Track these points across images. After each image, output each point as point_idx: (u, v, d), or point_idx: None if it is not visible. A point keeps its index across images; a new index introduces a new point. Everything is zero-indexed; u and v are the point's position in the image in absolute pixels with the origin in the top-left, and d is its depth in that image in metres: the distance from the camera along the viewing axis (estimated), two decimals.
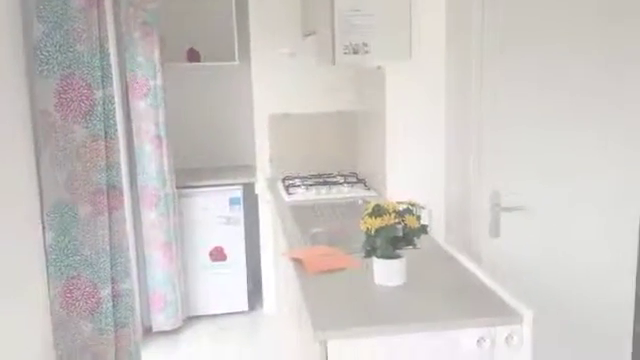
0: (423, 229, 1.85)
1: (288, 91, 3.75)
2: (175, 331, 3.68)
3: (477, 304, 1.70)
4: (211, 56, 3.91)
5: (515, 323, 1.61)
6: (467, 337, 1.59)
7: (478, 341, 1.59)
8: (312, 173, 3.61)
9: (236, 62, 3.86)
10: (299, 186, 3.31)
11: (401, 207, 1.87)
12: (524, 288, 1.92)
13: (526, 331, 1.60)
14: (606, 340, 2.45)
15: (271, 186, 3.54)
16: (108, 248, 2.08)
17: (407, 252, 1.84)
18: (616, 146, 2.34)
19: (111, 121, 2.12)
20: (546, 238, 2.34)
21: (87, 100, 2.03)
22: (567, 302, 2.36)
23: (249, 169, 3.98)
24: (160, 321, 3.65)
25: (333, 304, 1.73)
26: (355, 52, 2.61)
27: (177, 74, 3.92)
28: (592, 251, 2.38)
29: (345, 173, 3.61)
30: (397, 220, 1.80)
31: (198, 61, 3.93)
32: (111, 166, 2.11)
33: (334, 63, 2.63)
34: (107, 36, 2.16)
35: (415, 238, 1.84)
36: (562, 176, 2.33)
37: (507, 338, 1.60)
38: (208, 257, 3.82)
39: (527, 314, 1.59)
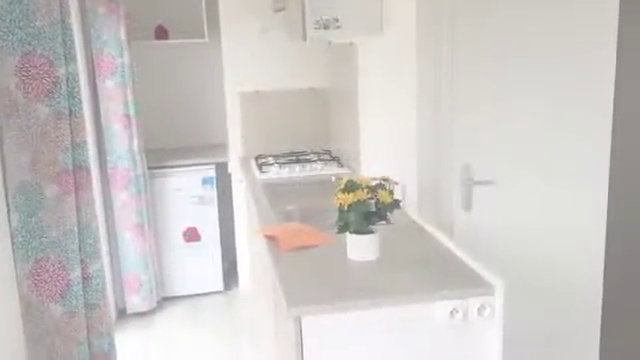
0: (396, 204, 1.85)
1: (259, 68, 3.70)
2: (150, 312, 3.66)
3: (450, 276, 1.71)
4: (180, 33, 3.83)
5: (487, 294, 1.62)
6: (440, 309, 1.60)
7: (451, 313, 1.60)
8: (285, 151, 3.58)
9: (205, 39, 3.79)
10: (272, 164, 3.28)
11: (374, 182, 1.87)
12: (496, 260, 1.94)
13: (498, 301, 1.61)
14: (576, 307, 2.50)
15: (244, 165, 3.50)
16: (76, 229, 2.04)
17: (380, 227, 1.84)
18: (583, 121, 2.36)
19: (76, 99, 2.06)
20: (516, 210, 2.37)
21: (49, 78, 1.97)
22: (538, 272, 2.40)
23: (221, 148, 3.94)
24: (134, 303, 3.62)
25: (307, 280, 1.72)
26: (326, 27, 2.58)
27: (145, 52, 3.83)
28: (561, 221, 2.41)
29: (318, 151, 3.59)
30: (370, 195, 1.79)
31: (166, 38, 3.84)
32: (77, 146, 2.06)
33: (305, 39, 2.60)
34: (69, 11, 2.08)
35: (388, 213, 1.83)
36: (531, 150, 2.34)
37: (479, 309, 1.61)
38: (182, 237, 3.79)
39: (498, 285, 1.61)
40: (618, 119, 2.38)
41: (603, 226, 2.46)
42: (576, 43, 2.29)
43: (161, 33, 3.83)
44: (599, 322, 2.54)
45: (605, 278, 2.51)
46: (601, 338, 2.56)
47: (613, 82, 2.33)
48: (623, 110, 2.38)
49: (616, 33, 2.30)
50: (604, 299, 2.53)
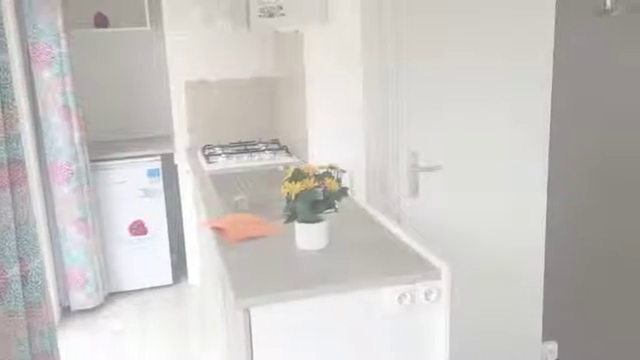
0: (343, 192, 1.85)
1: (205, 57, 3.63)
2: (96, 309, 3.57)
3: (397, 262, 1.73)
4: (120, 21, 3.71)
5: (434, 278, 1.65)
6: (388, 295, 1.61)
7: (399, 298, 1.62)
8: (233, 141, 3.54)
9: (147, 27, 3.70)
10: (219, 155, 3.24)
11: (321, 171, 1.86)
12: (442, 244, 1.97)
13: (444, 285, 1.64)
14: (519, 288, 2.58)
15: (191, 156, 3.44)
16: (13, 225, 1.95)
17: (329, 215, 1.84)
18: (524, 107, 2.42)
19: (7, 90, 1.95)
20: (461, 195, 2.41)
21: None
22: (483, 255, 2.46)
23: (167, 139, 3.86)
24: (79, 299, 3.51)
25: (255, 271, 1.71)
26: (270, 15, 2.55)
27: (85, 41, 3.70)
28: (504, 205, 2.48)
29: (267, 140, 3.56)
30: (317, 184, 1.79)
31: (106, 27, 3.73)
32: (11, 139, 1.96)
33: (249, 27, 2.56)
34: None
35: (336, 201, 1.83)
36: (474, 136, 2.39)
37: (426, 293, 1.64)
38: (128, 231, 3.70)
39: (444, 268, 1.64)
40: (555, 104, 2.46)
41: (544, 208, 2.54)
42: (517, 34, 2.34)
43: (101, 21, 3.71)
44: (541, 301, 2.63)
45: (546, 258, 2.60)
46: (544, 316, 2.66)
47: (551, 69, 2.40)
48: (560, 95, 2.45)
49: (553, 27, 2.37)
50: (546, 279, 2.62)
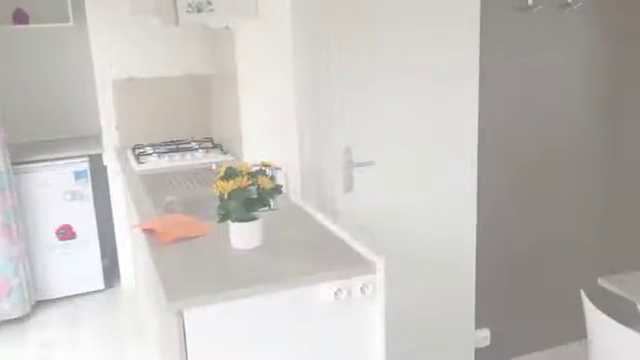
0: (277, 189, 1.84)
1: (132, 53, 3.52)
2: (23, 319, 3.40)
3: (333, 258, 1.73)
4: (41, 17, 3.55)
5: (369, 272, 1.66)
6: (324, 291, 1.61)
7: (335, 294, 1.62)
8: (164, 140, 3.46)
9: (70, 23, 3.54)
10: (150, 154, 3.15)
11: (254, 169, 1.84)
12: (377, 238, 1.99)
13: (379, 279, 1.65)
14: (453, 278, 2.65)
15: (120, 156, 3.33)
16: None
17: (263, 214, 1.82)
18: (454, 103, 2.48)
19: None
20: (395, 189, 2.45)
21: None
22: (417, 248, 2.51)
23: (95, 139, 3.72)
24: (4, 309, 3.34)
25: (188, 273, 1.67)
26: (199, 10, 2.49)
27: (4, 38, 3.52)
28: (436, 198, 2.53)
29: (200, 139, 3.50)
30: (250, 182, 1.76)
31: (27, 23, 3.55)
32: None
33: (178, 23, 2.49)
34: None
35: (270, 199, 1.81)
36: (406, 130, 2.43)
37: (362, 288, 1.65)
38: (55, 236, 3.55)
39: (379, 262, 1.65)
40: (483, 100, 2.53)
41: (474, 202, 2.61)
42: (445, 33, 2.40)
43: (20, 17, 3.53)
44: (474, 290, 2.71)
45: (477, 250, 2.68)
46: (476, 305, 2.74)
47: (477, 68, 2.47)
48: (487, 94, 2.53)
49: (479, 26, 2.44)
50: (477, 269, 2.70)
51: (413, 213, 2.50)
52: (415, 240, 2.50)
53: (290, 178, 2.36)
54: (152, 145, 3.34)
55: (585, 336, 1.82)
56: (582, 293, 1.74)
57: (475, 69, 2.47)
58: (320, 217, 2.07)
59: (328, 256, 1.75)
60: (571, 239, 2.93)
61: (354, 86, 2.30)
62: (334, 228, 1.95)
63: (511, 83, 2.64)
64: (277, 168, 2.21)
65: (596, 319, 1.69)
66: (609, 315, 1.63)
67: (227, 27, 2.97)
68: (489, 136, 2.60)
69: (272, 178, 1.84)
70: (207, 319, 1.50)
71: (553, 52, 2.67)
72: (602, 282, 1.98)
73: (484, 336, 2.82)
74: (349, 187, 2.35)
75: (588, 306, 1.72)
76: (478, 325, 2.78)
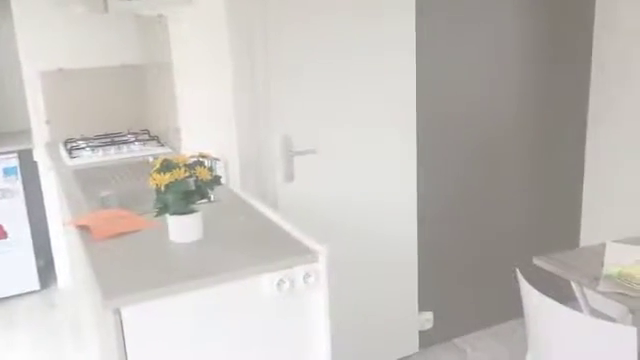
0: (216, 180, 1.80)
1: (62, 44, 3.38)
2: None
3: (275, 248, 1.71)
4: None
5: (312, 262, 1.65)
6: (267, 282, 1.59)
7: (278, 284, 1.60)
8: (98, 133, 3.34)
9: None
10: (84, 148, 3.04)
11: (192, 160, 1.79)
12: (320, 227, 1.98)
13: (322, 267, 1.65)
14: (396, 263, 2.68)
15: (52, 151, 3.20)
16: None
17: (202, 206, 1.78)
18: (392, 90, 2.50)
19: None
20: (337, 177, 2.45)
21: None
22: (360, 234, 2.52)
23: (24, 134, 3.55)
24: None
25: (125, 269, 1.61)
26: None
27: None
28: (378, 185, 2.55)
29: (136, 131, 3.40)
30: (188, 174, 1.72)
31: None
32: None
33: (107, 11, 2.40)
34: None
35: (209, 190, 1.78)
36: (346, 118, 2.43)
37: (305, 277, 1.64)
38: None
39: (322, 251, 1.64)
40: (421, 86, 2.56)
41: (414, 187, 2.65)
42: (381, 13, 2.41)
43: None
44: (416, 274, 2.76)
45: (419, 235, 2.72)
46: (419, 289, 2.79)
47: (414, 55, 2.50)
48: (424, 78, 2.56)
49: (414, 15, 2.47)
50: (419, 254, 2.74)
51: (355, 200, 2.51)
52: (358, 227, 2.52)
53: (230, 169, 2.33)
54: (85, 139, 3.22)
55: (523, 314, 1.88)
56: (518, 272, 1.80)
57: (411, 57, 2.50)
58: (261, 207, 2.05)
59: (270, 247, 1.73)
60: (507, 222, 3.02)
61: (292, 73, 2.27)
62: (276, 218, 1.93)
63: (446, 71, 2.68)
64: (216, 159, 2.17)
65: (531, 297, 1.74)
66: (544, 293, 1.69)
67: (160, 15, 2.89)
68: (428, 123, 2.63)
69: (210, 169, 1.80)
70: (146, 317, 1.46)
71: (485, 39, 2.74)
72: (537, 261, 2.04)
73: (427, 318, 2.88)
74: (290, 176, 2.33)
75: (524, 285, 1.77)
76: (421, 308, 2.83)
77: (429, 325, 2.89)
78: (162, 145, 3.12)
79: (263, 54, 2.20)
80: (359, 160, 2.50)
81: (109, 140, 3.19)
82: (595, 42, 2.96)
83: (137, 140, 3.17)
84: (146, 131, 3.40)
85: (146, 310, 1.45)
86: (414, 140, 2.60)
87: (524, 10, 2.78)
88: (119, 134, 3.33)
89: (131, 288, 1.46)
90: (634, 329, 1.50)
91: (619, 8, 2.82)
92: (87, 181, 2.52)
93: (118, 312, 1.42)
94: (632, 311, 2.02)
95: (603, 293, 1.80)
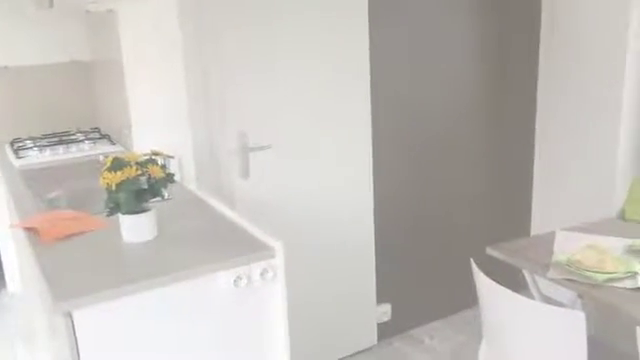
0: (170, 178, 1.77)
1: (6, 41, 3.26)
2: None
3: (231, 245, 1.70)
4: None
5: (268, 257, 1.64)
6: (223, 279, 1.58)
7: (235, 281, 1.59)
8: (46, 132, 3.24)
9: None
10: (31, 148, 2.95)
11: (144, 158, 1.76)
12: (276, 222, 1.98)
13: (279, 263, 1.64)
14: (353, 257, 2.70)
15: None
16: None
17: (156, 204, 1.75)
18: (347, 84, 2.51)
19: None
20: (293, 173, 2.45)
21: None
22: (317, 229, 2.53)
23: None
24: None
25: (76, 271, 1.57)
26: None
27: None
28: (333, 179, 2.56)
29: (86, 129, 3.31)
30: (140, 172, 1.69)
31: None
32: None
33: (52, 5, 2.33)
34: None
35: (162, 188, 1.75)
36: (302, 113, 2.43)
37: (262, 273, 1.63)
38: None
39: (278, 246, 1.64)
40: (375, 82, 2.58)
41: (370, 180, 2.67)
42: (336, 17, 2.41)
43: None
44: (374, 267, 2.78)
45: (376, 228, 2.74)
46: (377, 281, 2.81)
47: (368, 52, 2.51)
48: (378, 74, 2.58)
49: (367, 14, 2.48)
50: (376, 247, 2.76)
51: (311, 195, 2.51)
52: (315, 222, 2.52)
53: (184, 166, 2.29)
54: (32, 138, 3.12)
55: (478, 303, 1.92)
56: (472, 262, 1.83)
57: (365, 48, 2.51)
58: (217, 204, 2.02)
59: (226, 244, 1.72)
60: (462, 214, 3.08)
61: (246, 69, 2.26)
62: (232, 215, 1.91)
63: (399, 66, 2.71)
64: (169, 156, 2.13)
65: (485, 286, 1.78)
66: (498, 282, 1.73)
67: (110, 10, 2.82)
68: (383, 118, 2.66)
69: (164, 167, 1.77)
70: (99, 319, 1.42)
71: (440, 32, 2.78)
72: (490, 251, 2.09)
73: (385, 311, 2.91)
74: (246, 172, 2.31)
75: (478, 274, 1.81)
76: (379, 301, 2.86)
77: (387, 317, 2.92)
78: (113, 144, 3.06)
79: (216, 50, 2.17)
80: (315, 155, 2.50)
81: (57, 139, 3.10)
82: (542, 39, 3.05)
83: (87, 139, 3.09)
84: (97, 129, 3.31)
85: (99, 312, 1.42)
86: (369, 135, 2.61)
87: (474, 9, 2.83)
88: (68, 133, 3.24)
89: (82, 290, 1.42)
90: (583, 314, 1.55)
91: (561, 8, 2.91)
92: (35, 182, 2.45)
93: (69, 315, 1.38)
94: (581, 296, 2.10)
95: (553, 280, 1.86)
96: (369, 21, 2.48)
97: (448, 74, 2.86)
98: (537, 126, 3.17)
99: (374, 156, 2.65)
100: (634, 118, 2.75)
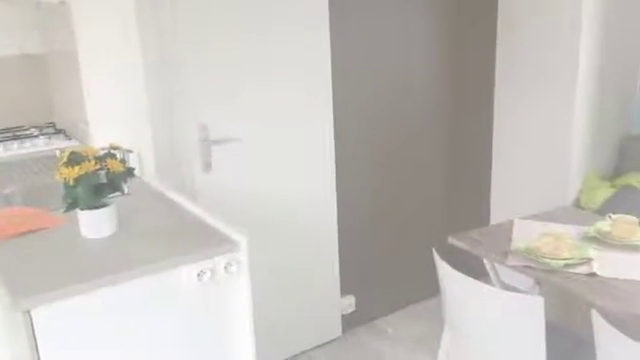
0: (129, 172, 1.74)
1: None
2: None
3: (194, 240, 1.68)
4: None
5: (232, 251, 1.63)
6: (187, 274, 1.56)
7: (199, 275, 1.58)
8: None
9: None
10: None
11: (102, 152, 1.72)
12: (240, 215, 1.97)
13: (243, 256, 1.63)
14: (317, 249, 2.71)
15: None
16: None
17: (116, 199, 1.72)
18: (309, 79, 2.51)
19: None
20: (256, 165, 2.44)
21: None
22: (280, 221, 2.53)
23: None
24: None
25: (34, 268, 1.53)
26: None
27: None
28: (296, 172, 2.56)
29: (40, 124, 3.22)
30: (98, 166, 1.65)
31: None
32: None
33: None
34: None
35: (122, 183, 1.71)
36: (263, 106, 2.42)
37: (226, 267, 1.62)
38: None
39: (242, 240, 1.63)
40: (336, 75, 2.58)
41: (333, 173, 2.68)
42: (298, 9, 2.40)
43: None
44: (338, 260, 2.80)
45: (339, 221, 2.76)
46: (341, 274, 2.83)
47: (329, 49, 2.52)
48: (339, 67, 2.59)
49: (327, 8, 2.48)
50: (340, 240, 2.78)
51: (274, 188, 2.50)
52: (278, 215, 2.52)
53: (144, 160, 2.26)
54: None
55: (440, 292, 1.95)
56: (434, 252, 1.86)
57: (327, 44, 2.52)
58: (178, 198, 2.00)
59: (189, 238, 1.70)
60: (423, 205, 3.12)
61: (207, 62, 2.23)
62: (194, 209, 1.89)
63: (360, 56, 2.72)
64: (128, 151, 2.10)
65: (447, 274, 1.81)
66: (459, 271, 1.76)
67: (62, 2, 2.74)
68: (345, 110, 2.67)
69: (123, 161, 1.74)
70: (59, 316, 1.39)
71: (397, 27, 2.80)
72: (451, 240, 2.13)
73: (349, 302, 2.93)
74: (208, 166, 2.29)
75: (440, 263, 1.84)
76: (343, 293, 2.88)
77: (351, 309, 2.94)
78: (69, 139, 2.98)
79: (175, 42, 2.14)
80: (277, 149, 2.49)
81: (10, 135, 3.00)
82: (498, 37, 3.11)
83: (42, 134, 3.01)
84: (52, 124, 3.23)
85: (58, 310, 1.39)
86: (331, 129, 2.62)
87: (433, 9, 2.87)
88: (21, 128, 3.14)
89: (41, 288, 1.39)
90: (541, 299, 1.60)
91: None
92: None
93: (28, 313, 1.35)
94: (538, 282, 2.16)
95: (512, 267, 1.90)
96: (330, 20, 2.49)
97: (408, 63, 2.89)
98: (495, 121, 3.24)
99: (337, 149, 2.66)
100: (587, 114, 2.84)
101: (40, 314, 1.36)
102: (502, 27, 3.08)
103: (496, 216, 3.32)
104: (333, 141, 2.64)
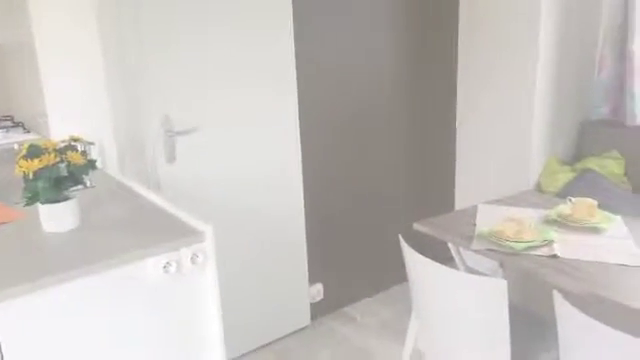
0: (91, 164, 1.70)
1: None
2: None
3: (159, 231, 1.66)
4: None
5: (198, 242, 1.62)
6: (152, 266, 1.55)
7: (164, 267, 1.56)
8: None
9: None
10: None
11: (63, 144, 1.68)
12: (205, 207, 1.96)
13: (208, 247, 1.62)
14: (285, 238, 2.71)
15: None
16: None
17: (77, 192, 1.68)
18: (273, 66, 2.49)
19: None
20: (220, 156, 2.42)
21: None
22: (247, 211, 2.52)
23: None
24: None
25: None
26: None
27: None
28: (262, 161, 2.55)
29: None
30: (59, 159, 1.61)
31: None
32: None
33: None
34: None
35: (84, 175, 1.68)
36: (228, 96, 2.40)
37: (192, 257, 1.61)
38: None
39: (208, 231, 1.62)
40: (301, 63, 2.58)
41: (299, 161, 2.67)
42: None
43: None
44: (305, 248, 2.80)
45: (306, 209, 2.76)
46: (309, 262, 2.84)
47: (292, 36, 2.51)
48: (303, 56, 2.58)
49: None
50: (307, 228, 2.78)
51: (240, 178, 2.49)
52: (245, 204, 2.51)
53: (106, 152, 2.22)
54: None
55: (407, 278, 1.98)
56: (400, 238, 1.88)
57: (290, 39, 2.51)
58: (142, 190, 1.97)
59: (153, 230, 1.67)
60: (389, 192, 3.15)
61: (168, 53, 2.19)
62: (158, 200, 1.87)
63: (324, 44, 2.72)
64: (90, 143, 2.06)
65: (413, 260, 1.83)
66: (425, 256, 1.78)
67: None
68: (310, 97, 2.66)
69: (84, 153, 1.70)
70: (22, 313, 1.36)
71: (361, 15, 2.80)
72: (417, 226, 2.15)
73: (317, 290, 2.94)
74: (171, 157, 2.27)
75: (406, 249, 1.86)
76: (311, 281, 2.89)
77: (320, 297, 2.96)
78: (28, 132, 2.91)
79: (137, 32, 2.10)
80: (242, 138, 2.48)
81: None
82: (460, 34, 3.14)
83: None
84: (9, 117, 3.14)
85: (19, 307, 1.36)
86: (296, 118, 2.62)
87: (396, 9, 2.89)
88: None
89: (2, 284, 1.35)
90: (504, 281, 1.63)
91: None
92: None
93: None
94: (502, 265, 2.20)
95: (476, 251, 1.94)
96: (293, 15, 2.48)
97: (371, 48, 2.89)
98: (458, 110, 3.28)
99: (302, 138, 2.66)
100: (547, 102, 2.90)
101: (2, 311, 1.33)
102: (464, 20, 3.11)
103: (461, 202, 3.38)
104: (298, 131, 2.63)
